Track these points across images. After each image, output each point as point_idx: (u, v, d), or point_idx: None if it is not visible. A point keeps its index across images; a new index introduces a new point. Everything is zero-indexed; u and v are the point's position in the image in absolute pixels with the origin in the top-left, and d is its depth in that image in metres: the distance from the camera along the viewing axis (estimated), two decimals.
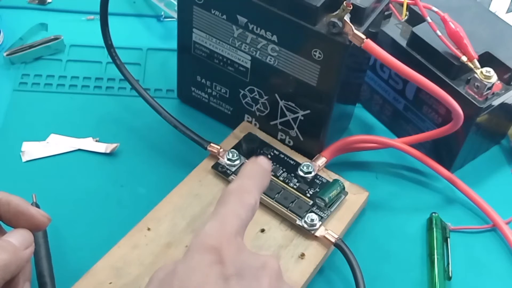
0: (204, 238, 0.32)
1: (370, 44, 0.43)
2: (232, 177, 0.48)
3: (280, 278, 0.33)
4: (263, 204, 0.47)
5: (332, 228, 0.46)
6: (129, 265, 0.43)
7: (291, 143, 0.53)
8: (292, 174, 0.49)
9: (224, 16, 0.48)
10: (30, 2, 0.65)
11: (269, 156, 0.50)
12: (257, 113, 0.53)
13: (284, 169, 0.50)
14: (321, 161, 0.51)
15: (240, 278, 0.31)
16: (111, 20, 0.52)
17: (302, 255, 0.45)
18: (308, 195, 0.48)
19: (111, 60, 0.54)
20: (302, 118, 0.50)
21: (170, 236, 0.45)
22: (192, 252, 0.32)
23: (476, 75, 0.48)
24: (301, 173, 0.49)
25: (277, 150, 0.51)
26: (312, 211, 0.47)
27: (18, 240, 0.37)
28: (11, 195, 0.39)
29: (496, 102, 0.50)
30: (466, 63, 0.49)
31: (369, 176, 0.54)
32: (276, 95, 0.50)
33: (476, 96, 0.49)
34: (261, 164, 0.39)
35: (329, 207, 0.47)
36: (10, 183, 0.50)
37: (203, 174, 0.49)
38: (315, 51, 0.45)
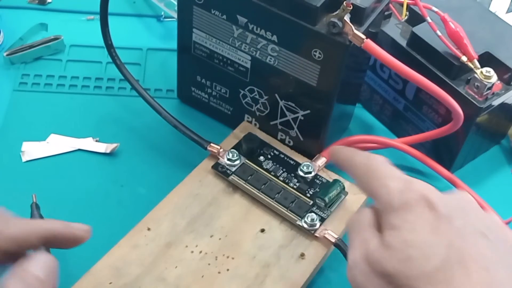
0: (406, 195, 0.34)
1: (370, 44, 0.43)
2: (233, 177, 0.48)
3: (478, 206, 0.35)
4: (263, 204, 0.47)
5: (332, 228, 0.46)
6: (129, 265, 0.43)
7: (291, 143, 0.53)
8: (292, 174, 0.49)
9: (224, 16, 0.48)
10: (30, 2, 0.65)
11: (269, 156, 0.50)
12: (257, 113, 0.53)
13: (284, 169, 0.49)
14: (321, 161, 0.51)
15: (455, 216, 0.33)
16: (111, 20, 0.52)
17: (302, 255, 0.45)
18: (308, 195, 0.48)
19: (111, 60, 0.54)
20: (302, 118, 0.50)
21: (170, 236, 0.45)
22: (403, 212, 0.33)
23: (476, 75, 0.48)
24: (301, 173, 0.49)
25: (277, 150, 0.51)
26: (312, 211, 0.47)
27: (44, 272, 0.34)
28: (52, 223, 0.37)
29: (496, 102, 0.50)
30: (466, 63, 0.49)
31: None
32: (276, 95, 0.50)
33: (476, 96, 0.49)
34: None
35: (329, 207, 0.47)
36: (10, 183, 0.50)
37: (203, 174, 0.49)
38: (315, 51, 0.45)
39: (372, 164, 0.37)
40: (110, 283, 0.42)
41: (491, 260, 0.31)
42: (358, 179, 0.39)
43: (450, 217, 0.33)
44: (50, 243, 0.37)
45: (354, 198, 0.49)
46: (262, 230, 0.46)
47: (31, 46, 0.59)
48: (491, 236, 0.33)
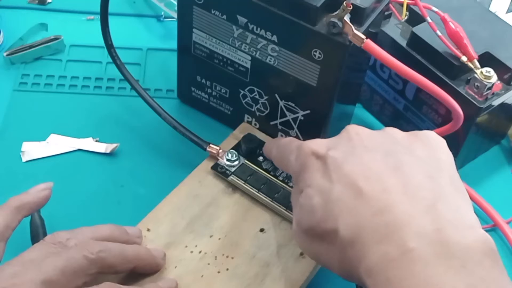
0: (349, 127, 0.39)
1: (370, 44, 0.43)
2: (232, 177, 0.48)
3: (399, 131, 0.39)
4: (262, 204, 0.47)
5: None
6: None
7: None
8: None
9: (224, 16, 0.48)
10: (30, 2, 0.65)
11: None
12: (257, 113, 0.53)
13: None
14: None
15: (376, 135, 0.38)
16: (111, 20, 0.52)
17: (302, 254, 0.45)
18: None
19: (111, 60, 0.54)
20: (302, 118, 0.50)
21: (170, 236, 0.45)
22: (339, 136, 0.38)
23: (476, 75, 0.48)
24: None
25: None
26: None
27: None
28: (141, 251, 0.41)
29: (496, 102, 0.50)
30: (466, 63, 0.49)
31: None
32: (276, 95, 0.50)
33: (476, 96, 0.49)
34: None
35: None
36: (10, 183, 0.50)
37: (203, 174, 0.49)
38: (315, 51, 0.45)
39: (279, 150, 0.43)
40: None
41: (380, 171, 0.34)
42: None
43: (334, 156, 0.36)
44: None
45: None
46: (262, 230, 0.46)
47: (31, 46, 0.59)
48: (383, 144, 0.37)
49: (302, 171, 0.38)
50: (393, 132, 0.38)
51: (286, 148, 0.42)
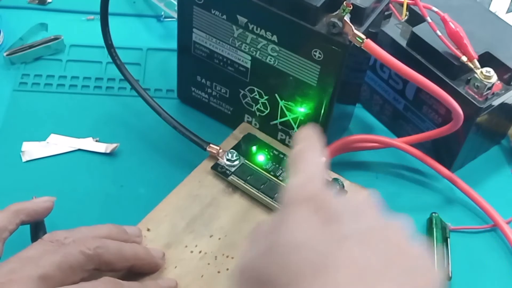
0: (294, 193, 0.31)
1: (370, 44, 0.43)
2: (232, 177, 0.48)
3: (377, 206, 0.31)
4: (262, 204, 0.47)
5: None
6: None
7: (291, 143, 0.53)
8: None
9: (224, 16, 0.48)
10: (30, 2, 0.65)
11: (268, 156, 0.50)
12: (257, 113, 0.53)
13: (283, 169, 0.49)
14: None
15: (343, 220, 0.29)
16: (111, 20, 0.52)
17: None
18: None
19: (111, 60, 0.54)
20: (302, 118, 0.50)
21: (170, 236, 0.45)
22: (287, 210, 0.30)
23: (476, 75, 0.48)
24: None
25: (276, 150, 0.51)
26: None
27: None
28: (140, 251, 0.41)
29: (496, 102, 0.50)
30: (466, 63, 0.49)
31: (369, 176, 0.54)
32: (276, 95, 0.50)
33: (476, 96, 0.49)
34: (310, 130, 0.35)
35: None
36: (10, 183, 0.50)
37: (203, 174, 0.49)
38: (315, 51, 0.45)
39: (297, 155, 0.34)
40: None
41: (362, 266, 0.28)
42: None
43: (337, 220, 0.29)
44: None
45: None
46: None
47: (31, 46, 0.59)
48: (372, 242, 0.29)
49: (291, 205, 0.31)
50: (395, 234, 0.30)
51: (302, 159, 0.33)
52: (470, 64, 0.49)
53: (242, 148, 0.50)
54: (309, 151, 0.34)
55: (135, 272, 0.41)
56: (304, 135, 0.36)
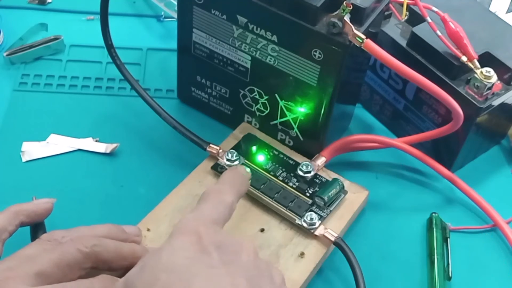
0: (184, 224, 0.35)
1: (370, 44, 0.43)
2: None
3: (257, 255, 0.35)
4: (262, 204, 0.47)
5: (332, 227, 0.46)
6: None
7: (291, 143, 0.53)
8: (292, 174, 0.49)
9: (224, 16, 0.48)
10: (30, 2, 0.65)
11: (268, 156, 0.50)
12: (257, 113, 0.53)
13: (283, 169, 0.50)
14: (321, 160, 0.51)
15: (220, 252, 0.34)
16: (111, 20, 0.52)
17: (302, 254, 0.45)
18: (308, 194, 0.48)
19: (111, 60, 0.54)
20: (302, 118, 0.50)
21: None
22: (173, 237, 0.35)
23: (476, 75, 0.48)
24: (300, 173, 0.49)
25: (276, 150, 0.51)
26: (312, 210, 0.47)
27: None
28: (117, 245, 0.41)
29: (496, 102, 0.50)
30: (466, 63, 0.49)
31: (369, 176, 0.54)
32: (276, 95, 0.50)
33: (476, 96, 0.49)
34: (240, 172, 0.45)
35: (328, 206, 0.47)
36: (10, 183, 0.50)
37: (203, 174, 0.49)
38: (315, 51, 0.45)
39: (206, 193, 0.41)
40: None
41: None
42: None
43: (210, 254, 0.34)
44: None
45: (354, 196, 0.49)
46: (262, 230, 0.46)
47: (31, 46, 0.59)
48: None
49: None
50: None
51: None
52: (470, 64, 0.49)
53: (242, 148, 0.50)
54: (219, 192, 0.40)
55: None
56: (227, 177, 0.43)
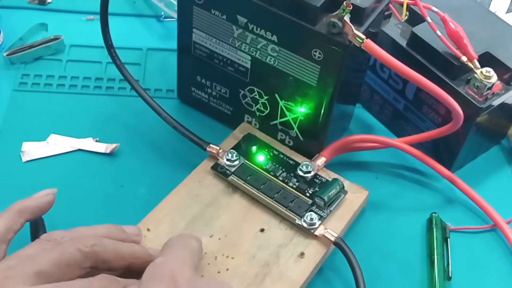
0: (157, 269, 0.36)
1: (370, 44, 0.43)
2: (232, 177, 0.48)
3: None
4: (262, 204, 0.47)
5: (332, 227, 0.46)
6: None
7: (291, 143, 0.53)
8: (292, 174, 0.49)
9: (224, 16, 0.48)
10: (30, 2, 0.65)
11: (268, 156, 0.50)
12: (257, 113, 0.53)
13: (283, 169, 0.50)
14: (321, 160, 0.51)
15: None
16: (111, 20, 0.52)
17: (302, 254, 0.45)
18: (308, 194, 0.48)
19: (111, 60, 0.54)
20: (302, 118, 0.50)
21: (170, 236, 0.45)
22: (146, 283, 0.36)
23: (476, 75, 0.48)
24: (300, 173, 0.49)
25: (276, 150, 0.51)
26: (312, 210, 0.47)
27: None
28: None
29: (496, 102, 0.50)
30: (466, 63, 0.49)
31: (369, 176, 0.54)
32: (276, 95, 0.50)
33: (476, 96, 0.49)
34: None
35: (328, 206, 0.47)
36: (10, 183, 0.50)
37: (203, 174, 0.49)
38: (315, 51, 0.45)
39: (173, 238, 0.41)
40: None
41: None
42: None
43: None
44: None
45: (354, 196, 0.49)
46: (262, 230, 0.46)
47: (31, 46, 0.59)
48: None
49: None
50: None
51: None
52: (470, 64, 0.49)
53: (242, 148, 0.50)
54: (187, 237, 0.41)
55: (133, 271, 0.41)
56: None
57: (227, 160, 0.49)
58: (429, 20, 0.48)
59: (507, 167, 0.57)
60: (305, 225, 0.46)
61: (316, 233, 0.46)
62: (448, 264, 0.48)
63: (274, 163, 0.50)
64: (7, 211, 0.41)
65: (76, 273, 0.37)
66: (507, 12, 0.67)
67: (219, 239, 0.45)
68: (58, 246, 0.38)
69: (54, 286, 0.35)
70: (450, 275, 0.47)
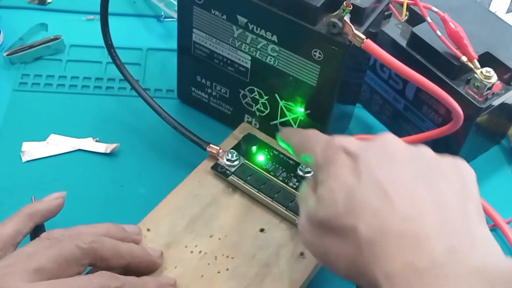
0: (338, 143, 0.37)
1: (370, 44, 0.43)
2: (232, 177, 0.48)
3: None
4: (262, 204, 0.47)
5: None
6: None
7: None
8: (292, 174, 0.49)
9: (224, 16, 0.48)
10: (30, 2, 0.65)
11: (268, 156, 0.50)
12: (257, 113, 0.53)
13: (283, 169, 0.49)
14: None
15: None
16: (111, 20, 0.52)
17: (302, 254, 0.45)
18: None
19: (111, 60, 0.54)
20: (302, 118, 0.50)
21: (170, 236, 0.45)
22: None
23: (476, 75, 0.48)
24: (300, 173, 0.49)
25: (276, 150, 0.51)
26: None
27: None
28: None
29: (496, 102, 0.50)
30: (466, 63, 0.49)
31: None
32: (276, 95, 0.50)
33: (476, 96, 0.49)
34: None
35: None
36: (10, 183, 0.50)
37: (203, 174, 0.49)
38: (315, 51, 0.45)
39: (302, 138, 0.41)
40: None
41: (410, 182, 0.34)
42: (297, 155, 0.42)
43: (367, 157, 0.35)
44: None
45: None
46: (262, 230, 0.46)
47: (31, 46, 0.60)
48: (410, 161, 0.35)
49: (328, 163, 0.36)
50: (427, 151, 0.37)
51: (311, 137, 0.40)
52: (470, 64, 0.49)
53: (242, 148, 0.50)
54: (309, 135, 0.41)
55: (132, 270, 0.41)
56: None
57: (227, 160, 0.49)
58: (429, 20, 0.48)
59: (507, 167, 0.57)
60: None
61: None
62: None
63: (274, 163, 0.50)
64: (18, 215, 0.41)
65: (75, 269, 0.37)
66: (507, 12, 0.67)
67: (219, 239, 0.45)
68: (57, 243, 0.38)
69: (53, 282, 0.36)
70: None
